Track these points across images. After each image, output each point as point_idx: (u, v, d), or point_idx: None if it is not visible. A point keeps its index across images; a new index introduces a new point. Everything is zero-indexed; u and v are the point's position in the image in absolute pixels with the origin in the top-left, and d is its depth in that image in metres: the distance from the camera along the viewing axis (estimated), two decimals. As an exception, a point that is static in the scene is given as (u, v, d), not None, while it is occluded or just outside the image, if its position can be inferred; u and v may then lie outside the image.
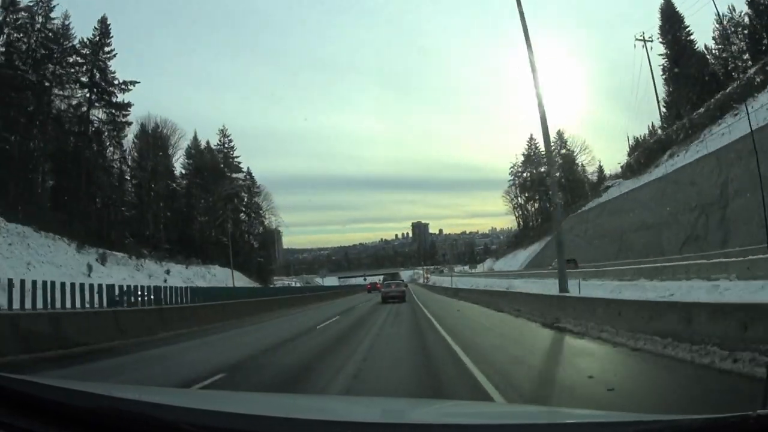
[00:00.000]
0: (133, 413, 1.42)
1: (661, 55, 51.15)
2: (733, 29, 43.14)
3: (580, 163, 67.88)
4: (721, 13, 42.97)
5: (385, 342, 8.97)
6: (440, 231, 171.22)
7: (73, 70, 45.88)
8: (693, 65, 44.46)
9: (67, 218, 39.99)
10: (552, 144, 71.36)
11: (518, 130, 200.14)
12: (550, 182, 13.93)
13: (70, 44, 45.57)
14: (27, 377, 1.77)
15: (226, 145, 59.84)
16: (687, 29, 49.43)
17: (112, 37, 47.53)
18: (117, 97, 46.51)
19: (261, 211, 62.08)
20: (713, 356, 5.23)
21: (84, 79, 46.06)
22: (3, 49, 40.08)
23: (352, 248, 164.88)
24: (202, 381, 5.40)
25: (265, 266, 60.88)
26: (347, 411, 2.13)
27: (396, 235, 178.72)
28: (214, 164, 56.93)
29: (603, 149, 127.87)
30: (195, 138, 57.17)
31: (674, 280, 16.10)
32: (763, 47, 38.19)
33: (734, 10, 42.77)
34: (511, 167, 75.76)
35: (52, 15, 43.27)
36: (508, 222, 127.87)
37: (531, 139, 73.67)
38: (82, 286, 11.44)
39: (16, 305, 9.82)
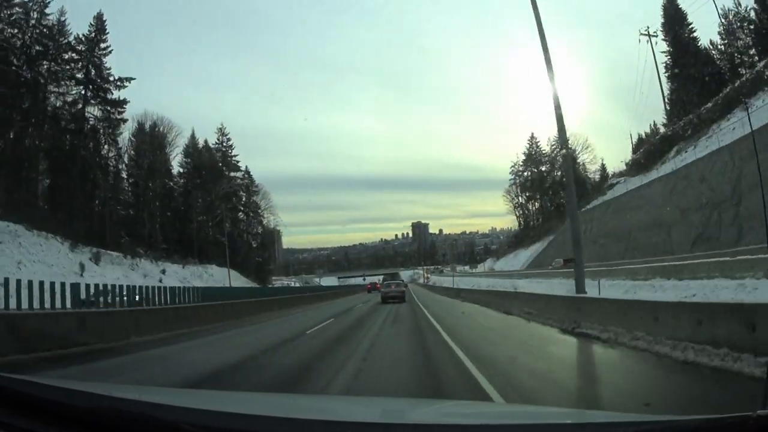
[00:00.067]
0: (133, 413, 1.40)
1: (663, 52, 50.32)
2: (738, 24, 42.09)
3: (581, 162, 66.42)
4: (726, 8, 42.11)
5: (382, 352, 7.66)
6: (440, 231, 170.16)
7: (68, 67, 44.74)
8: (697, 62, 43.53)
9: (61, 217, 39.07)
10: (553, 143, 70.54)
11: (518, 130, 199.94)
12: (566, 173, 12.46)
13: (66, 41, 44.45)
14: (27, 377, 1.73)
15: (224, 144, 58.68)
16: (690, 26, 48.67)
17: (107, 33, 46.45)
18: (112, 93, 45.42)
19: (259, 211, 60.90)
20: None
21: (79, 75, 44.95)
22: (-3, 45, 38.92)
23: (352, 248, 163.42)
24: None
25: (264, 266, 59.62)
26: (347, 411, 2.10)
27: (396, 235, 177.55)
28: (212, 163, 55.74)
29: (604, 149, 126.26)
30: (193, 136, 56.04)
31: (694, 279, 14.84)
32: (771, 41, 36.99)
33: (740, 5, 41.88)
34: (512, 166, 74.65)
35: (47, 11, 42.18)
36: (508, 222, 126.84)
37: (532, 137, 72.57)
38: (41, 284, 10.19)
39: None
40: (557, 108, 11.97)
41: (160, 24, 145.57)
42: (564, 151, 12.25)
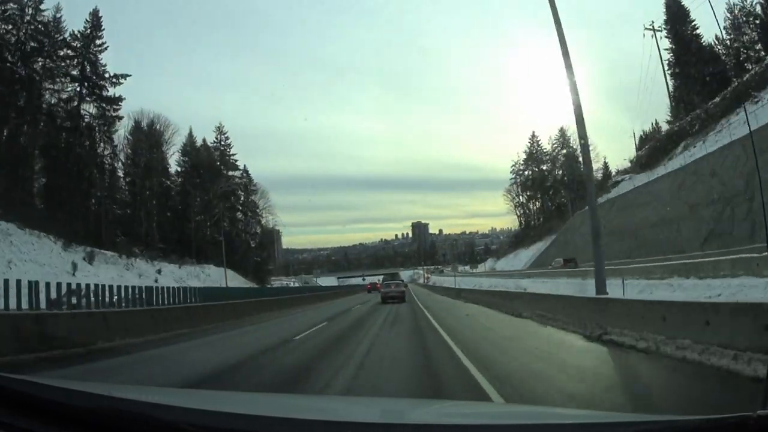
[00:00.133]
0: (132, 413, 1.39)
1: (666, 49, 49.31)
2: (744, 19, 40.97)
3: (581, 162, 65.08)
4: (732, 3, 41.01)
5: (378, 364, 6.35)
6: (440, 231, 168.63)
7: (63, 64, 43.66)
8: (698, 61, 42.65)
9: (56, 216, 38.10)
10: (554, 142, 69.38)
11: (518, 129, 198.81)
12: (584, 164, 11.14)
13: (61, 37, 43.41)
14: (27, 377, 1.72)
15: (222, 143, 57.50)
16: (692, 23, 47.74)
17: (103, 29, 45.38)
18: (108, 90, 44.30)
19: (258, 210, 59.65)
20: None
21: (74, 72, 43.85)
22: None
23: (352, 248, 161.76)
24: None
25: (262, 266, 58.35)
26: (347, 411, 2.08)
27: (396, 235, 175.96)
28: (210, 162, 54.56)
29: (605, 149, 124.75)
30: (190, 135, 54.88)
31: (716, 278, 13.59)
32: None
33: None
34: (513, 165, 73.48)
35: (42, 7, 41.10)
36: (508, 222, 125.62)
37: (533, 136, 71.43)
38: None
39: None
40: (574, 92, 10.73)
41: (160, 24, 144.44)
42: (582, 141, 10.94)
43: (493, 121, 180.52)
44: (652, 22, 43.31)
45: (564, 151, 67.45)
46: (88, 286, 11.98)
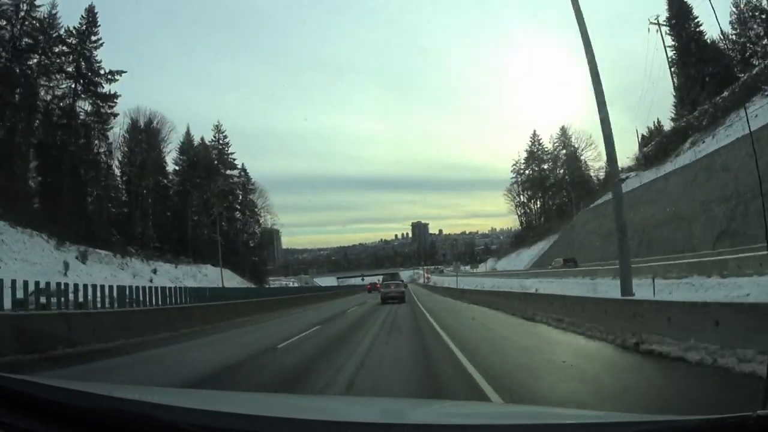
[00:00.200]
0: (132, 413, 1.38)
1: (669, 46, 48.29)
2: (750, 14, 39.84)
3: (584, 160, 63.91)
4: (737, -2, 39.91)
5: (371, 382, 5.14)
6: (440, 231, 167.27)
7: (58, 60, 42.61)
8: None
9: (50, 214, 37.10)
10: (556, 140, 68.20)
11: (518, 129, 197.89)
12: (606, 146, 9.95)
13: (56, 33, 42.38)
14: (27, 377, 1.69)
15: (220, 141, 56.32)
16: (696, 20, 46.80)
17: (99, 25, 44.29)
18: (103, 87, 43.16)
19: (256, 210, 58.44)
20: None
21: (69, 69, 42.77)
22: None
23: (352, 248, 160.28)
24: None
25: (260, 266, 57.12)
26: (347, 411, 2.06)
27: (396, 236, 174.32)
28: (208, 160, 53.40)
29: (604, 150, 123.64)
30: (188, 133, 53.71)
31: (741, 276, 12.40)
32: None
33: (752, -6, 39.66)
34: (514, 164, 72.25)
35: (37, 3, 40.04)
36: (508, 222, 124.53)
37: (534, 135, 70.22)
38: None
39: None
40: (593, 65, 9.58)
41: (160, 24, 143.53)
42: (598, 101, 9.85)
43: (493, 121, 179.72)
44: (657, 16, 42.23)
45: (564, 151, 66.39)
46: (67, 285, 10.97)
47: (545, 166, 68.35)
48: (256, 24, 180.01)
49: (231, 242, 52.19)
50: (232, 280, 47.39)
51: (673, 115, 45.85)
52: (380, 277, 52.00)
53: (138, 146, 47.59)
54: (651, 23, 41.86)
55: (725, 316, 5.33)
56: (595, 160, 63.14)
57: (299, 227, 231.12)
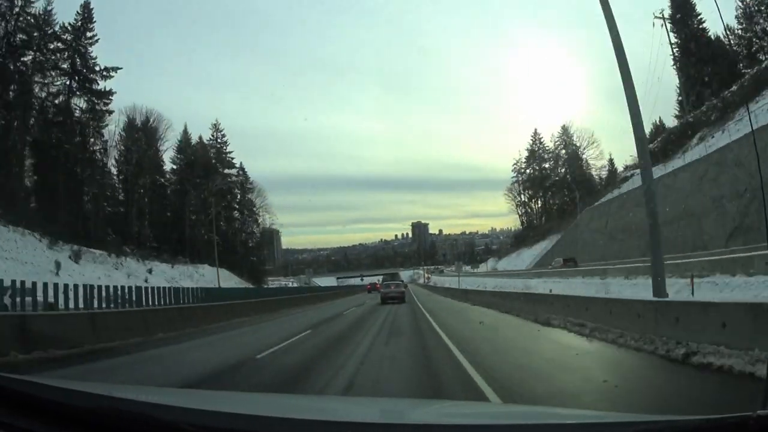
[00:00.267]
0: (132, 413, 1.37)
1: (672, 44, 47.28)
2: (757, 8, 38.78)
3: (585, 159, 62.69)
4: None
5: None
6: (440, 231, 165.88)
7: (53, 57, 41.56)
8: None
9: (44, 213, 36.10)
10: (557, 139, 66.99)
11: (518, 129, 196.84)
12: (634, 130, 8.69)
13: (51, 30, 41.35)
14: (27, 377, 1.68)
15: (219, 140, 55.17)
16: (699, 16, 45.89)
17: (95, 22, 43.24)
18: (98, 84, 42.12)
19: (254, 209, 57.22)
20: None
21: (64, 66, 41.72)
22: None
23: (352, 248, 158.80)
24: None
25: (258, 266, 55.89)
26: (346, 411, 2.04)
27: (396, 236, 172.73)
28: (206, 159, 52.25)
29: (605, 149, 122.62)
30: (185, 132, 52.54)
31: (771, 275, 11.22)
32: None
33: (758, -12, 38.63)
34: (515, 164, 71.02)
35: (32, -1, 38.99)
36: (508, 222, 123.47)
37: (535, 133, 69.03)
38: None
39: None
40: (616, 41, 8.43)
41: (160, 24, 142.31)
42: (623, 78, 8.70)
43: (493, 121, 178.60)
44: (662, 11, 41.07)
45: (564, 151, 65.30)
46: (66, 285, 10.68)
47: (546, 165, 67.24)
48: (256, 24, 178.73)
49: (229, 242, 51.06)
50: (229, 280, 46.24)
51: (676, 113, 44.84)
52: (380, 278, 50.93)
53: (134, 144, 46.54)
54: (656, 17, 40.74)
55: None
56: (596, 159, 62.03)
57: (299, 227, 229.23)
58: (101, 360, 7.09)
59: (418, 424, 1.58)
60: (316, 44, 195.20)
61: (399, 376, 5.54)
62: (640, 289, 14.47)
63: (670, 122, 45.05)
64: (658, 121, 46.54)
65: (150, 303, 12.61)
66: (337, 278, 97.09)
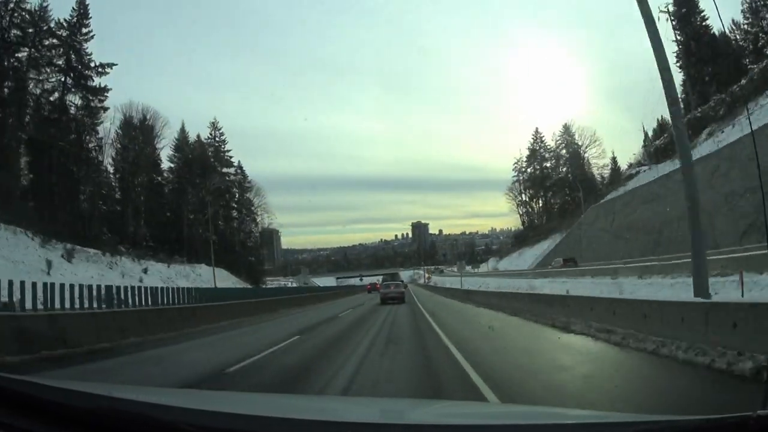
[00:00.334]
0: (132, 413, 1.37)
1: (675, 41, 46.30)
2: (763, 2, 37.69)
3: (587, 158, 61.54)
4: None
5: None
6: (440, 231, 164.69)
7: (49, 54, 40.55)
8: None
9: (38, 211, 35.11)
10: (558, 138, 65.84)
11: (518, 130, 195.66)
12: (670, 111, 7.54)
13: (46, 26, 40.35)
14: (27, 378, 1.65)
15: (217, 138, 54.03)
16: (702, 13, 44.93)
17: (90, 18, 42.19)
18: (93, 81, 41.05)
19: (253, 208, 56.01)
20: None
21: (59, 62, 40.66)
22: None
23: (352, 249, 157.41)
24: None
25: (256, 266, 54.68)
26: (346, 411, 2.01)
27: (396, 236, 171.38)
28: (204, 158, 51.11)
29: (606, 148, 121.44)
30: (183, 130, 51.42)
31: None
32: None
33: (764, -18, 37.59)
34: (515, 162, 69.82)
35: (27, -5, 37.96)
36: (508, 222, 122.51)
37: (537, 132, 67.87)
38: None
39: None
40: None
41: (160, 24, 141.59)
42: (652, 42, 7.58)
43: (493, 121, 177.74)
44: (667, 5, 39.96)
45: (564, 151, 64.19)
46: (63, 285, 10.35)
47: (547, 164, 66.05)
48: (256, 24, 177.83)
49: (227, 241, 49.94)
50: (227, 280, 45.12)
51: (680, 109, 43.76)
52: (380, 278, 49.88)
53: (131, 142, 45.48)
54: (661, 11, 39.70)
55: None
56: (598, 158, 60.86)
57: (299, 227, 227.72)
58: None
59: (418, 424, 1.55)
60: (316, 44, 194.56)
61: (402, 382, 4.63)
62: (657, 288, 13.32)
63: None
64: (661, 118, 45.65)
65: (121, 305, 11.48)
66: (337, 278, 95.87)
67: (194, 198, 49.53)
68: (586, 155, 60.87)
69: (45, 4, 39.46)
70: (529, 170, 67.93)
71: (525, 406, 3.33)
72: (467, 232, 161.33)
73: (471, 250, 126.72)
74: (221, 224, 50.83)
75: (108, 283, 16.12)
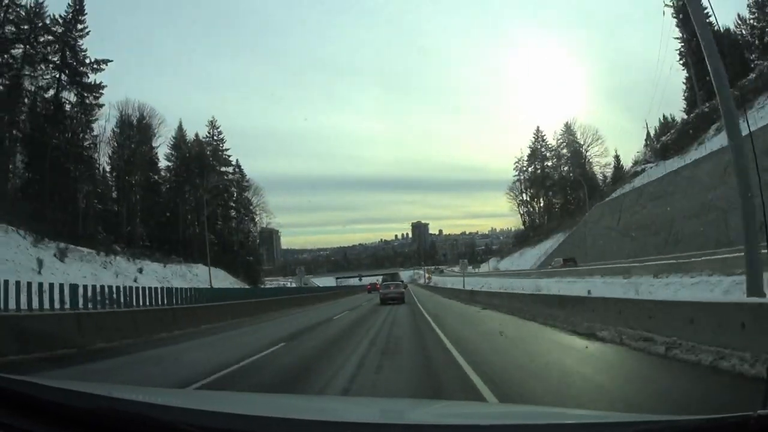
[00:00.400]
0: (131, 414, 1.36)
1: (677, 38, 45.33)
2: (770, -3, 36.64)
3: (589, 157, 60.40)
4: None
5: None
6: (440, 231, 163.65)
7: (45, 50, 39.59)
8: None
9: (32, 210, 34.12)
10: (560, 136, 64.75)
11: (518, 129, 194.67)
12: (715, 80, 6.44)
13: (41, 23, 39.40)
14: (27, 378, 1.63)
15: (215, 138, 52.93)
16: (705, 10, 43.84)
17: (86, 14, 41.22)
18: (88, 77, 40.03)
19: (251, 207, 54.87)
20: None
21: (54, 59, 39.67)
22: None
23: (352, 249, 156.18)
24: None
25: (254, 266, 53.55)
26: (346, 411, 1.99)
27: (396, 236, 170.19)
28: (202, 156, 50.04)
29: (608, 147, 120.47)
30: (180, 128, 50.33)
31: None
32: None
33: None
34: (516, 162, 68.70)
35: (22, -9, 36.98)
36: (508, 222, 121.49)
37: (538, 131, 66.78)
38: None
39: None
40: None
41: (160, 24, 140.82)
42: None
43: (493, 121, 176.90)
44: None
45: (565, 151, 63.12)
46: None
47: (549, 163, 64.91)
48: (256, 24, 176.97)
49: (225, 241, 48.85)
50: (224, 280, 44.05)
51: (684, 106, 42.79)
52: (380, 278, 48.79)
53: (127, 140, 44.47)
54: (666, 5, 38.63)
55: None
56: (601, 156, 59.67)
57: (299, 228, 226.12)
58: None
59: (418, 425, 1.54)
60: (316, 44, 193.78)
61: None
62: (676, 288, 12.21)
63: (680, 116, 43.19)
64: (665, 116, 44.62)
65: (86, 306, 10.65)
66: (336, 278, 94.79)
67: (192, 197, 48.47)
68: (588, 154, 59.78)
69: (41, 1, 38.59)
70: (530, 169, 66.85)
71: (525, 406, 3.28)
72: (467, 232, 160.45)
73: (471, 250, 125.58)
74: (219, 224, 49.73)
75: (101, 283, 15.69)
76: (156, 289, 15.41)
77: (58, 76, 39.47)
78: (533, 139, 66.55)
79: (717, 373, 4.32)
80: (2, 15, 36.94)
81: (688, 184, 23.82)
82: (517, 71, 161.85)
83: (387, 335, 9.29)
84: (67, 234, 34.27)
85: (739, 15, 38.39)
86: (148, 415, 1.31)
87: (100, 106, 41.05)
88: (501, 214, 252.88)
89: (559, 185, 62.36)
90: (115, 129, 44.48)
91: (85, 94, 39.90)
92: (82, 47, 40.19)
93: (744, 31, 37.94)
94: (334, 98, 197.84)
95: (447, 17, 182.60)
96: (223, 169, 52.66)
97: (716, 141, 25.72)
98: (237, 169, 53.53)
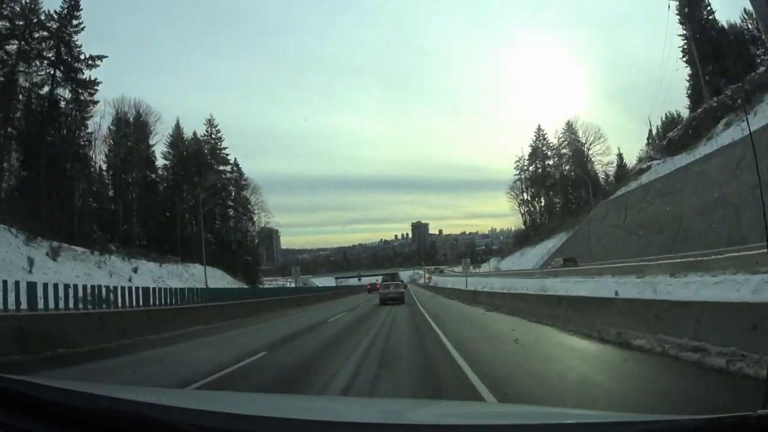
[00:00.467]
0: (131, 414, 1.36)
1: (680, 35, 44.51)
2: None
3: (590, 155, 59.43)
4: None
5: None
6: (440, 231, 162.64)
7: (40, 46, 38.73)
8: (708, 52, 38.03)
9: (26, 208, 33.33)
10: (561, 135, 63.81)
11: (518, 129, 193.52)
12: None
13: (36, 19, 38.54)
14: (27, 378, 1.64)
15: (213, 136, 52.01)
16: (708, 7, 43.18)
17: (81, 9, 40.38)
18: (83, 74, 39.17)
19: (250, 206, 53.94)
20: None
21: (49, 55, 38.80)
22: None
23: (352, 249, 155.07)
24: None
25: (253, 265, 52.59)
26: (346, 411, 1.99)
27: (396, 236, 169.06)
28: (200, 155, 49.11)
29: (611, 145, 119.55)
30: (177, 127, 49.39)
31: None
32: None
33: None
34: (517, 161, 67.74)
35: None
36: (509, 222, 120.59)
37: (539, 130, 65.82)
38: None
39: None
40: None
41: (160, 24, 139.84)
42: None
43: (493, 121, 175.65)
44: (677, -6, 38.06)
45: (566, 150, 62.21)
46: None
47: (550, 162, 63.97)
48: (256, 24, 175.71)
49: (223, 240, 47.89)
50: (221, 280, 43.11)
51: (688, 104, 41.90)
52: (380, 278, 47.84)
53: (123, 138, 43.56)
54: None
55: None
56: (603, 155, 58.69)
57: (299, 227, 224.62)
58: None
59: (418, 424, 1.54)
60: (316, 44, 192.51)
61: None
62: (697, 288, 11.21)
63: (685, 112, 42.33)
64: (670, 113, 43.73)
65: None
66: (336, 278, 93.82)
67: (190, 196, 47.53)
68: (589, 152, 58.81)
69: (37, -2, 37.75)
70: (531, 168, 65.91)
71: (525, 406, 3.22)
72: (467, 232, 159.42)
73: (471, 250, 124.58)
74: (217, 223, 48.79)
75: (94, 283, 15.01)
76: (139, 288, 14.63)
77: (52, 72, 38.64)
78: (534, 138, 65.72)
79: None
80: (-3, 11, 36.11)
81: (697, 179, 22.85)
82: (518, 71, 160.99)
83: (385, 344, 8.08)
84: (61, 233, 33.46)
85: (745, 9, 37.50)
86: (148, 415, 1.31)
87: (95, 102, 40.23)
88: (501, 214, 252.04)
89: (561, 184, 61.42)
90: (112, 127, 43.69)
91: (80, 91, 39.06)
92: (77, 43, 39.41)
93: (750, 26, 37.07)
94: (334, 98, 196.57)
95: (447, 17, 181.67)
96: (221, 167, 51.77)
97: (726, 136, 24.74)
98: (235, 168, 52.69)
